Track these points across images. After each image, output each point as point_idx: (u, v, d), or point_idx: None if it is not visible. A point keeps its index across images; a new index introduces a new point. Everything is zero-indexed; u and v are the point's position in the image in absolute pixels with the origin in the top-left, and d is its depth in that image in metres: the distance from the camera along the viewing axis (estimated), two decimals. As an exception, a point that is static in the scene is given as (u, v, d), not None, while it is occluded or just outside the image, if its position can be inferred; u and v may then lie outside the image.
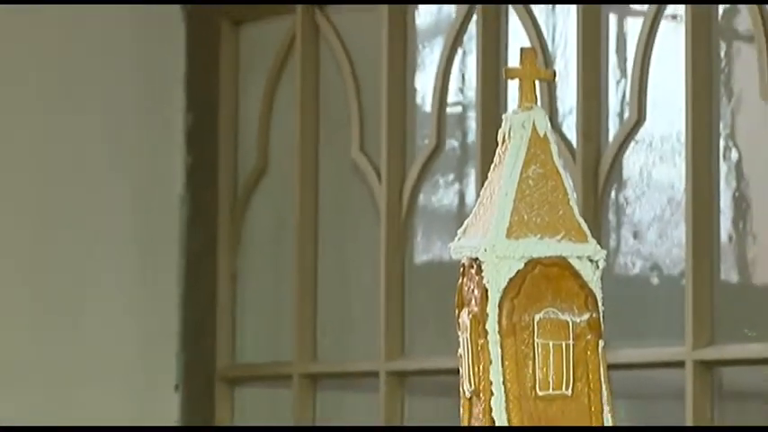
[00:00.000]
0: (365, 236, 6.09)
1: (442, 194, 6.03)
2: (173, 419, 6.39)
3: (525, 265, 3.05)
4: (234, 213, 6.43)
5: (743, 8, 5.25)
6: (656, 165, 5.50)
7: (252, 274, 6.43)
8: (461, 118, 5.97)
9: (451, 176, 6.02)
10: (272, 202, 6.40)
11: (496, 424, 3.02)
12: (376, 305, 5.94)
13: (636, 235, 5.51)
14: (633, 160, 5.52)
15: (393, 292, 5.92)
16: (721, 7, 5.32)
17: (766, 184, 5.28)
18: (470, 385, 3.08)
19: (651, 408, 5.48)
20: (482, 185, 3.16)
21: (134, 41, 6.41)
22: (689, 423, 5.23)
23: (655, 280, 5.47)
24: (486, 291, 3.03)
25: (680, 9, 5.36)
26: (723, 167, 5.30)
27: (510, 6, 5.74)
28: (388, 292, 5.92)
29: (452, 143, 5.98)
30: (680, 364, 5.24)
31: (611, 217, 5.52)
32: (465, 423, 3.10)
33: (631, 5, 5.58)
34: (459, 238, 3.14)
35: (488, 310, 3.03)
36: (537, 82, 3.15)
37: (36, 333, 6.18)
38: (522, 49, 3.14)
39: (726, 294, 5.29)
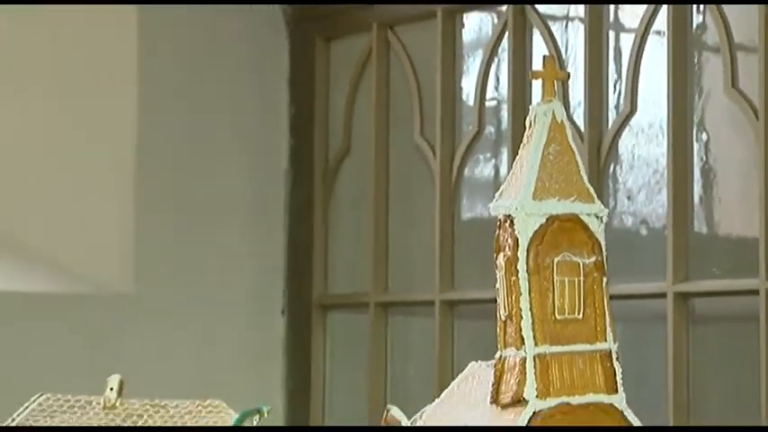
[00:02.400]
0: (424, 198, 6.07)
1: (481, 168, 6.02)
2: (280, 337, 6.40)
3: (546, 220, 3.09)
4: (325, 182, 6.45)
5: (711, 25, 5.25)
6: (644, 145, 5.49)
7: (339, 226, 6.43)
8: (497, 109, 5.95)
9: (489, 154, 6.01)
10: (354, 174, 6.40)
11: (525, 341, 3.06)
12: (432, 250, 5.95)
13: (629, 197, 5.52)
14: (627, 141, 5.52)
15: (445, 240, 5.94)
16: (695, 24, 5.31)
17: (727, 159, 5.28)
18: (505, 311, 3.12)
19: (640, 329, 5.43)
20: (513, 161, 3.21)
21: (252, 54, 6.43)
22: (670, 342, 5.21)
23: (644, 231, 5.48)
24: (517, 240, 3.06)
25: (663, 27, 5.34)
26: (696, 146, 5.31)
27: (534, 25, 5.74)
28: (442, 241, 5.94)
29: (490, 129, 5.97)
30: (662, 296, 5.24)
31: (611, 184, 5.52)
32: (501, 340, 3.12)
33: (626, 25, 5.56)
34: (496, 200, 3.19)
35: (519, 254, 3.07)
36: (555, 82, 3.23)
37: (180, 270, 6.21)
38: (543, 57, 3.18)
39: (698, 242, 5.29)
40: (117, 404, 3.28)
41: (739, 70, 5.16)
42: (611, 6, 5.58)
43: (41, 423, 3.24)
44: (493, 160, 5.99)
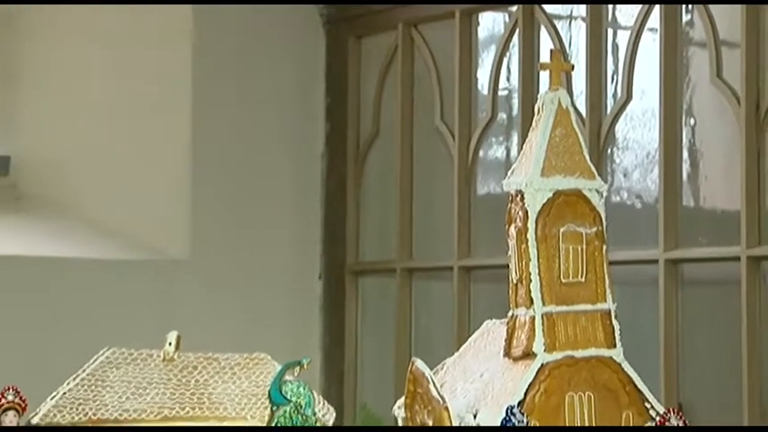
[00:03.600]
0: (444, 176, 6.04)
1: (494, 149, 5.99)
2: (317, 299, 6.38)
3: (553, 194, 3.09)
4: (357, 162, 6.42)
5: (698, 22, 5.22)
6: (638, 129, 5.46)
7: (369, 201, 6.40)
8: (508, 98, 5.92)
9: (501, 137, 5.97)
10: (382, 155, 6.36)
11: (534, 302, 3.05)
12: (451, 222, 5.93)
13: (625, 175, 5.49)
14: (623, 125, 5.49)
15: (462, 213, 5.91)
16: (684, 22, 5.28)
17: (712, 141, 5.25)
18: (516, 275, 3.12)
19: (636, 291, 5.40)
20: (523, 143, 3.20)
21: (293, 50, 6.39)
22: (661, 303, 5.20)
23: (638, 205, 5.45)
24: (527, 212, 3.08)
25: (656, 24, 5.31)
26: (684, 130, 5.28)
27: (541, 23, 5.71)
28: (460, 214, 5.91)
29: (502, 115, 5.94)
30: (655, 262, 5.23)
31: (609, 163, 5.49)
32: (513, 301, 3.12)
33: (622, 23, 5.52)
34: (508, 177, 3.18)
35: (528, 225, 3.08)
36: (561, 73, 3.21)
37: (230, 239, 6.18)
38: (550, 51, 3.18)
39: (686, 215, 5.26)
40: (175, 357, 3.29)
41: (723, 62, 5.13)
42: (610, 6, 5.55)
43: (109, 373, 3.25)
44: (504, 143, 5.96)
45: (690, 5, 5.25)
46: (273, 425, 3.11)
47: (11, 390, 3.08)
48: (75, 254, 5.86)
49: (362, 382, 6.29)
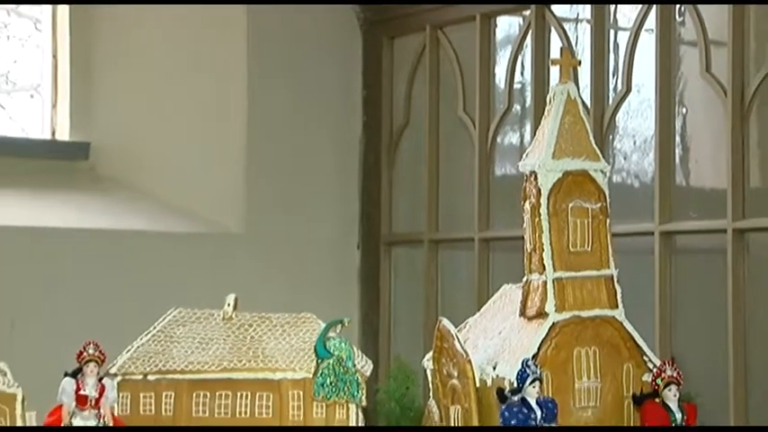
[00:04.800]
0: (465, 159, 6.00)
1: (510, 136, 5.95)
2: (355, 267, 6.35)
3: (563, 174, 3.09)
4: (390, 147, 6.38)
5: (689, 23, 5.17)
6: (636, 117, 5.42)
7: (400, 181, 6.36)
8: (522, 91, 5.87)
9: (516, 126, 5.93)
10: (412, 141, 6.32)
11: (546, 268, 3.05)
12: (472, 198, 5.89)
13: (625, 158, 5.45)
14: (623, 114, 5.45)
15: (482, 191, 5.87)
16: (677, 23, 5.22)
17: (702, 128, 5.21)
18: (530, 245, 3.12)
19: (633, 259, 5.37)
20: (535, 131, 3.19)
21: (334, 48, 6.36)
22: (656, 270, 5.16)
23: (636, 184, 5.42)
24: (540, 190, 3.07)
25: (652, 25, 5.26)
26: (677, 118, 5.24)
27: (551, 25, 5.67)
28: (480, 192, 5.88)
29: (517, 106, 5.90)
30: (651, 234, 5.20)
31: (611, 147, 5.44)
32: (527, 267, 3.12)
33: (623, 25, 5.47)
34: (523, 159, 3.18)
35: (541, 201, 3.08)
36: (570, 68, 3.20)
37: (279, 214, 6.14)
38: (561, 48, 3.19)
39: (678, 192, 5.23)
40: (233, 316, 3.30)
41: (712, 59, 5.09)
42: (612, 9, 5.50)
43: (176, 330, 3.26)
44: (519, 130, 5.93)
45: (682, 7, 5.21)
46: (318, 375, 3.11)
47: (91, 344, 3.08)
48: (145, 227, 5.86)
49: (395, 339, 6.28)
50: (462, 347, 3.11)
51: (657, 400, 3.01)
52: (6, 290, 5.39)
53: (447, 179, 6.15)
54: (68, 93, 6.17)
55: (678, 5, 5.21)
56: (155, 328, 3.28)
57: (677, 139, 5.25)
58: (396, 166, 6.39)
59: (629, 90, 5.41)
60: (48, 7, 6.20)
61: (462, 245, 6.02)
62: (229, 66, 6.07)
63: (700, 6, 5.10)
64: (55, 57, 6.20)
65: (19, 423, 3.03)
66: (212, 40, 6.09)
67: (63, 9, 6.21)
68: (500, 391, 2.92)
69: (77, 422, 3.04)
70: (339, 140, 6.37)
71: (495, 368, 3.05)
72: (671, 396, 2.97)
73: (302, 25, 6.18)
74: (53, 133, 6.23)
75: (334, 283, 6.24)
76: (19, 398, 3.04)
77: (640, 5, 5.33)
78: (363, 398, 3.14)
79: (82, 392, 3.05)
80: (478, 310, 3.43)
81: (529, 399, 2.88)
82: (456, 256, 6.14)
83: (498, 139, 5.94)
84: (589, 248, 3.09)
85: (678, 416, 2.96)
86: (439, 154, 6.17)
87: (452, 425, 3.09)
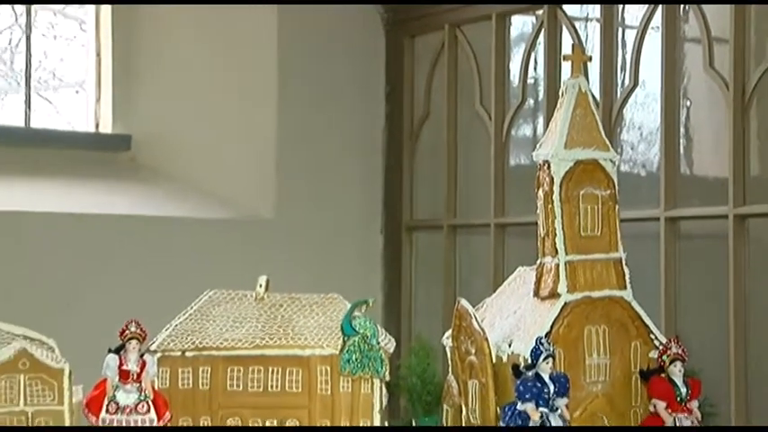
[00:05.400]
0: (482, 150, 5.99)
1: (523, 128, 5.94)
2: (379, 250, 6.36)
3: (574, 164, 3.07)
4: (411, 138, 6.38)
5: (693, 21, 5.15)
6: (643, 110, 5.41)
7: (421, 170, 6.36)
8: (535, 86, 5.86)
9: (529, 119, 5.92)
10: (432, 133, 6.31)
11: (558, 252, 3.04)
12: (488, 186, 5.88)
13: (632, 148, 5.44)
14: (630, 107, 5.43)
15: (498, 180, 5.87)
16: (682, 20, 5.22)
17: (705, 120, 5.19)
18: (543, 230, 3.11)
19: (640, 243, 5.36)
20: (547, 123, 3.17)
21: (359, 46, 6.34)
22: (662, 253, 5.15)
23: (643, 173, 5.41)
24: (553, 178, 3.06)
25: (658, 23, 5.24)
26: (682, 111, 5.23)
27: (562, 23, 5.66)
28: (495, 180, 5.87)
29: (530, 100, 5.88)
30: (657, 219, 5.19)
31: (619, 138, 5.43)
32: (540, 251, 3.10)
33: (630, 23, 5.46)
34: (537, 149, 3.16)
35: (554, 188, 3.06)
36: (581, 64, 3.18)
37: (307, 200, 6.15)
38: (572, 44, 3.17)
39: (682, 180, 5.21)
40: (264, 297, 3.30)
41: (715, 54, 5.07)
42: (620, 8, 5.48)
43: (211, 310, 3.26)
44: (532, 123, 5.92)
45: (686, 6, 5.19)
46: (345, 352, 3.11)
47: (133, 323, 3.09)
48: (182, 214, 5.87)
49: (416, 318, 6.29)
50: (479, 326, 3.10)
51: (663, 375, 3.00)
52: (56, 272, 5.41)
53: (465, 168, 6.15)
54: (111, 88, 6.20)
55: (682, 5, 5.20)
56: (191, 308, 3.29)
57: (681, 130, 5.24)
58: (416, 155, 6.39)
59: (636, 84, 5.39)
60: (91, 9, 6.23)
61: (479, 230, 6.01)
62: (261, 62, 6.07)
63: (703, 5, 5.09)
64: (98, 55, 6.23)
65: (66, 396, 3.05)
66: (245, 38, 6.08)
67: (106, 10, 6.22)
68: (515, 367, 2.91)
69: (120, 395, 3.05)
70: (363, 131, 6.36)
71: (510, 345, 3.05)
72: (676, 372, 2.96)
73: (329, 24, 6.18)
74: (96, 126, 6.25)
75: (358, 265, 6.24)
76: (66, 372, 3.06)
77: (647, 5, 5.31)
78: (387, 373, 3.14)
79: (124, 367, 3.06)
80: (494, 291, 3.41)
81: (542, 374, 2.88)
82: (473, 241, 6.14)
83: (512, 131, 5.93)
84: (599, 233, 3.08)
85: (683, 390, 2.95)
86: (457, 145, 6.17)
87: (470, 398, 3.08)
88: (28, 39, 6.04)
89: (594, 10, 5.57)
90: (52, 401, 3.03)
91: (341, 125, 6.26)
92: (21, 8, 6.04)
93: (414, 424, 3.24)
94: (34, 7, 6.06)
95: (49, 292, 5.34)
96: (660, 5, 5.24)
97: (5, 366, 3.01)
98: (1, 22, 6.01)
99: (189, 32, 6.16)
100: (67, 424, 3.02)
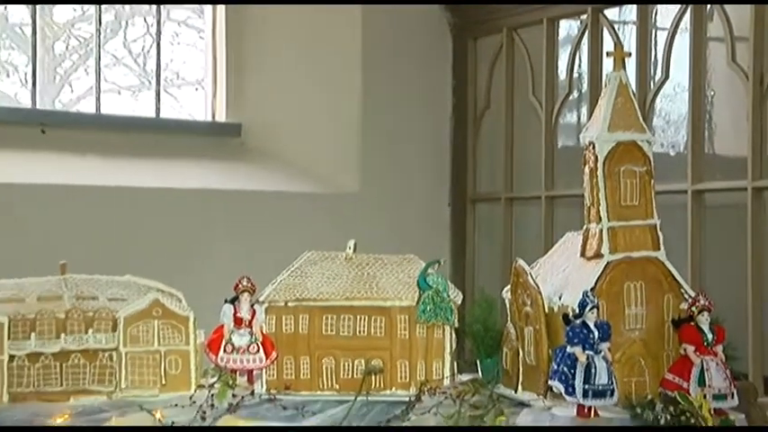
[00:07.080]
0: (534, 134, 5.93)
1: (569, 115, 5.89)
2: (447, 221, 6.32)
3: (616, 144, 3.03)
4: (474, 125, 6.34)
5: (717, 21, 5.05)
6: (673, 99, 5.34)
7: (482, 150, 6.33)
8: (580, 79, 5.80)
9: (574, 108, 5.87)
10: (492, 120, 6.26)
11: (602, 219, 3.01)
12: (539, 165, 5.83)
13: (663, 131, 5.38)
14: (662, 97, 5.36)
15: (548, 159, 5.82)
16: (707, 21, 5.14)
17: (727, 107, 5.12)
18: (589, 200, 3.07)
19: (672, 213, 5.31)
20: (591, 111, 3.13)
21: (430, 47, 6.31)
22: (689, 222, 5.08)
23: (672, 152, 5.34)
24: (597, 156, 3.02)
25: (686, 25, 5.17)
26: (707, 99, 5.15)
27: (603, 26, 5.60)
28: (546, 159, 5.82)
29: (575, 92, 5.83)
30: (685, 192, 5.13)
31: (652, 123, 5.36)
32: (586, 218, 3.07)
33: (662, 25, 5.38)
34: (584, 132, 3.13)
35: (598, 165, 3.02)
36: (621, 59, 3.14)
37: (386, 176, 6.14)
38: (614, 43, 3.12)
39: (707, 158, 5.15)
40: (353, 257, 3.32)
41: (737, 50, 4.97)
42: (653, 12, 5.39)
43: (309, 268, 3.28)
44: (576, 111, 5.87)
45: (711, 7, 5.10)
46: (420, 303, 3.12)
47: (245, 278, 3.13)
48: (283, 189, 5.91)
49: (479, 276, 6.28)
50: (534, 282, 3.09)
51: (692, 323, 2.96)
52: (181, 238, 5.50)
53: (519, 149, 6.11)
54: (224, 85, 6.27)
55: (708, 5, 5.11)
56: (293, 266, 3.31)
57: (706, 116, 5.16)
58: (479, 139, 6.35)
59: (667, 77, 5.32)
60: (209, 18, 6.31)
61: (532, 202, 5.98)
62: (348, 58, 6.06)
63: (726, 6, 5.00)
64: (214, 57, 6.31)
65: (191, 339, 3.10)
66: (334, 36, 6.08)
67: (220, 19, 6.28)
68: (565, 316, 2.90)
69: (235, 338, 3.09)
70: (434, 118, 6.34)
71: (560, 298, 3.03)
72: (703, 320, 2.93)
73: (406, 26, 6.16)
74: (213, 116, 6.33)
75: (430, 231, 6.23)
76: (191, 319, 3.12)
77: (677, 6, 5.22)
78: (455, 321, 3.15)
79: (238, 315, 3.10)
80: (545, 253, 3.39)
81: (588, 322, 2.86)
82: (527, 212, 6.11)
83: (560, 118, 5.88)
84: (637, 203, 3.05)
85: (709, 336, 2.91)
86: (513, 129, 6.13)
87: (526, 342, 3.07)
88: (158, 45, 6.18)
89: (631, 14, 5.49)
90: (180, 342, 3.09)
91: (414, 113, 6.25)
92: (151, 19, 6.19)
93: (478, 364, 3.24)
94: (162, 18, 6.19)
95: (178, 253, 5.44)
96: (689, 6, 5.16)
97: (142, 314, 3.08)
98: (136, 32, 6.19)
99: (286, 33, 6.18)
100: (192, 361, 3.08)
